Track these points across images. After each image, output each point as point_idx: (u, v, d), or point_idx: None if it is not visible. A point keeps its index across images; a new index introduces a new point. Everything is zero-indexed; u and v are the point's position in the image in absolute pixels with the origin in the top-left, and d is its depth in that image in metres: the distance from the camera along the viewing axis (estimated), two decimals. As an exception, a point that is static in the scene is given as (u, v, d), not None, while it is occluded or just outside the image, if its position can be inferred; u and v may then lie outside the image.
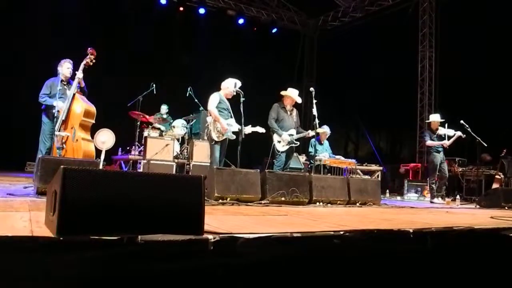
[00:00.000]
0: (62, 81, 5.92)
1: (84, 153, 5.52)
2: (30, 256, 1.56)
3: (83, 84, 5.82)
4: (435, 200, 8.54)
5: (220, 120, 6.24)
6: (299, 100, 7.17)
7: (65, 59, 6.00)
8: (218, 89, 6.52)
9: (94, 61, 5.83)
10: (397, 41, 12.81)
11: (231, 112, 6.45)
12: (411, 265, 2.62)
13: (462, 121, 8.48)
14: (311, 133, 7.13)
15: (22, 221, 2.28)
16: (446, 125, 8.65)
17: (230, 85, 6.44)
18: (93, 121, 5.83)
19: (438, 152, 8.64)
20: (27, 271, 1.52)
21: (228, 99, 6.52)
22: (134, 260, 1.71)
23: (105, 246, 1.69)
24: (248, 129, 6.45)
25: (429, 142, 8.73)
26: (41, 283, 1.54)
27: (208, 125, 6.39)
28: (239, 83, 6.45)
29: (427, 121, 9.01)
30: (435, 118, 8.86)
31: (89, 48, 5.84)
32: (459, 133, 8.45)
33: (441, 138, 8.64)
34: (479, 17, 10.52)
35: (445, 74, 12.26)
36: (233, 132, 6.33)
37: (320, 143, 9.34)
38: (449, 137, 8.59)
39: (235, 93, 6.39)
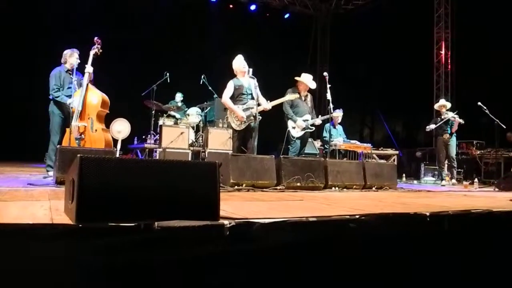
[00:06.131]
0: (68, 70, 5.94)
1: (106, 143, 5.61)
2: (51, 243, 1.59)
3: (91, 77, 5.78)
4: (443, 182, 8.73)
5: (234, 109, 6.04)
6: (313, 86, 7.09)
7: (72, 49, 5.98)
8: (232, 75, 6.43)
9: (101, 50, 5.81)
10: (412, 23, 12.62)
11: (252, 92, 6.15)
12: (428, 249, 2.62)
13: (479, 103, 8.37)
14: (317, 121, 7.10)
15: (43, 210, 2.32)
16: (455, 111, 8.77)
17: (235, 64, 6.27)
18: (108, 111, 5.90)
19: (441, 135, 8.85)
20: (48, 258, 1.56)
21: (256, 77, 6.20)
22: (151, 246, 1.74)
23: (123, 233, 1.71)
24: (269, 104, 6.19)
25: (427, 128, 8.97)
26: (61, 269, 1.57)
27: (227, 116, 6.32)
28: (239, 61, 6.21)
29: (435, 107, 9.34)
30: (439, 103, 9.16)
31: (95, 38, 5.81)
32: (459, 121, 8.65)
33: (447, 122, 8.78)
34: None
35: (462, 55, 12.07)
36: (254, 116, 6.03)
37: (334, 128, 9.29)
38: (452, 122, 8.81)
39: (247, 71, 6.16)
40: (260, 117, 6.05)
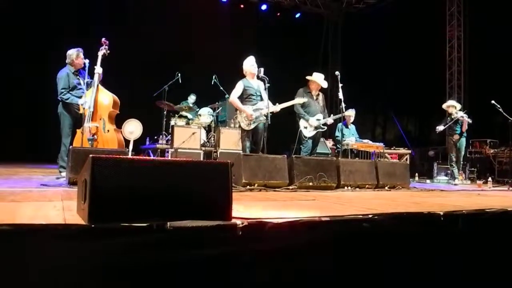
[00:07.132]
0: (74, 72, 5.90)
1: (119, 143, 5.66)
2: (63, 243, 1.60)
3: (101, 78, 5.76)
4: (456, 181, 8.70)
5: (243, 108, 6.13)
6: (325, 85, 7.08)
7: (76, 49, 5.91)
8: (242, 75, 6.45)
9: (109, 51, 5.81)
10: (424, 22, 12.51)
11: (261, 93, 6.23)
12: (442, 248, 2.58)
13: (493, 101, 8.27)
14: (329, 120, 7.07)
15: (55, 210, 2.34)
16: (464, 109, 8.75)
17: (245, 65, 6.33)
18: (118, 111, 5.92)
19: (451, 135, 8.87)
20: (60, 258, 1.56)
21: (264, 79, 6.15)
22: (163, 247, 1.74)
23: (135, 233, 1.71)
24: (277, 107, 6.22)
25: (437, 129, 8.96)
26: (74, 269, 1.57)
27: (236, 115, 6.35)
28: (250, 62, 6.27)
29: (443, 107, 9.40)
30: (447, 103, 9.22)
31: (102, 39, 5.81)
32: (467, 120, 8.65)
33: (456, 121, 8.75)
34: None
35: (475, 53, 11.93)
36: (266, 116, 6.03)
37: (347, 127, 9.26)
38: (461, 121, 8.80)
39: (258, 73, 6.15)
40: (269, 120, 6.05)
